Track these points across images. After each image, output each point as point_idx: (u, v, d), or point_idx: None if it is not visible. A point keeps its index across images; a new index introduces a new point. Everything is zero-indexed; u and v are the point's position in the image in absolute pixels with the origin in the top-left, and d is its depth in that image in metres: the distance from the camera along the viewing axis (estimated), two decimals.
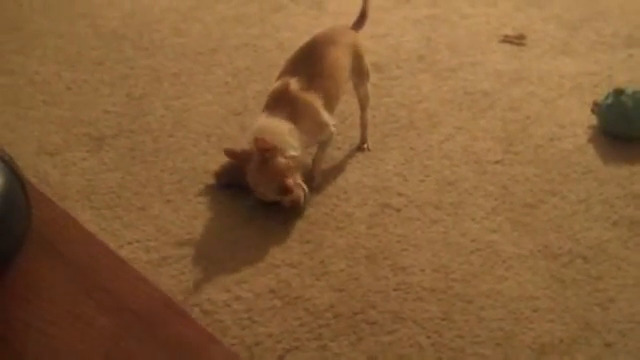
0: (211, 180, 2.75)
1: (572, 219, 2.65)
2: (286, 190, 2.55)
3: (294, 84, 2.65)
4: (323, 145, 2.77)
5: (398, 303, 2.32)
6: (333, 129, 2.75)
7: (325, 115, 2.69)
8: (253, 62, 3.44)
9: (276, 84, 2.71)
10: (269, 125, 2.60)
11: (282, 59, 2.85)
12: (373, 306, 2.31)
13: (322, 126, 2.70)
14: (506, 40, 3.68)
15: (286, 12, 3.86)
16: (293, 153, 2.58)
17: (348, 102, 3.03)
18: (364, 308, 2.30)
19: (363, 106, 2.96)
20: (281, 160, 2.54)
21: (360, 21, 2.99)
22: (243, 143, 2.77)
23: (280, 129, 2.59)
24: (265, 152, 2.51)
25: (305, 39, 2.86)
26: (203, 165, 2.81)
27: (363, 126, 2.97)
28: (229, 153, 2.62)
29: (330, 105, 2.72)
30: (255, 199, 2.62)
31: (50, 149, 2.85)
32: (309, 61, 2.72)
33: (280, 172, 2.54)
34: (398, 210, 2.67)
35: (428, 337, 2.22)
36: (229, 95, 3.21)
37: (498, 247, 2.53)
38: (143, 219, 2.57)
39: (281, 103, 2.63)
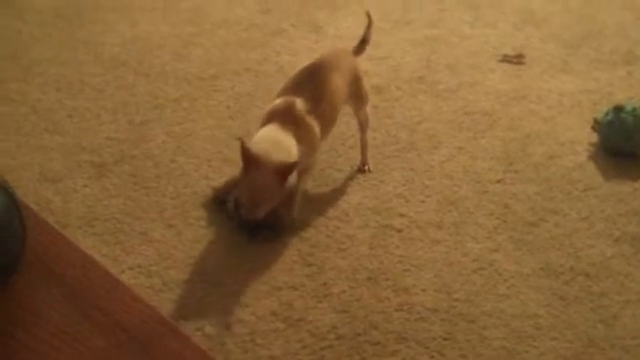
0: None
1: (574, 237, 2.65)
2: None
3: (300, 104, 2.62)
4: (307, 173, 2.72)
5: (400, 323, 2.32)
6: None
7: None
8: (254, 87, 3.46)
9: (278, 101, 2.66)
10: (279, 139, 2.55)
11: (283, 83, 2.84)
12: (375, 327, 2.31)
13: (314, 152, 2.68)
14: (505, 60, 3.69)
15: (286, 36, 3.88)
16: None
17: (349, 124, 3.04)
18: (367, 329, 2.30)
19: (363, 129, 2.96)
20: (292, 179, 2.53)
21: (361, 47, 2.99)
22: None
23: (288, 144, 2.55)
24: (286, 172, 2.48)
25: (306, 63, 2.85)
26: (204, 190, 2.81)
27: (363, 148, 2.97)
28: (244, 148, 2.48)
29: (326, 131, 2.71)
30: (240, 222, 2.63)
31: (52, 176, 2.86)
32: (312, 84, 2.69)
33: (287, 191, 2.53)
34: (399, 231, 2.67)
35: (431, 357, 2.22)
36: (231, 120, 3.22)
37: (500, 266, 2.53)
38: (145, 244, 2.57)
39: (286, 120, 2.58)
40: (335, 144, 3.04)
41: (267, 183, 2.47)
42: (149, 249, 2.55)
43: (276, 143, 2.54)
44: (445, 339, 2.28)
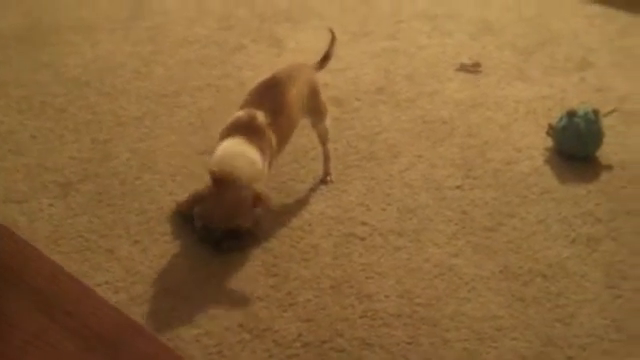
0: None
1: (531, 239, 2.72)
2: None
3: (261, 117, 2.67)
4: None
5: (365, 330, 2.37)
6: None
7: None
8: (216, 102, 3.50)
9: (240, 113, 2.71)
10: (247, 155, 2.61)
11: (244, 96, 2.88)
12: (340, 334, 2.36)
13: (270, 166, 2.71)
14: (462, 69, 3.77)
15: (246, 52, 3.93)
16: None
17: (310, 136, 3.09)
18: (332, 336, 2.35)
19: (323, 141, 3.01)
20: (242, 192, 2.57)
21: (323, 63, 3.05)
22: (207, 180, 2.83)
23: (249, 157, 2.60)
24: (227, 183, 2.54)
25: (265, 76, 2.87)
26: (169, 205, 2.84)
27: (325, 159, 3.02)
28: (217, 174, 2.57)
29: (282, 145, 2.76)
30: (201, 235, 2.68)
31: (17, 197, 2.88)
32: (270, 98, 2.74)
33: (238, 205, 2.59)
34: (362, 239, 2.72)
35: None
36: (193, 135, 3.26)
37: (460, 270, 2.59)
38: (111, 261, 2.60)
39: (251, 133, 2.64)
40: (297, 156, 3.09)
41: (240, 204, 2.57)
42: (116, 265, 2.58)
43: (245, 159, 2.59)
44: (408, 343, 2.33)
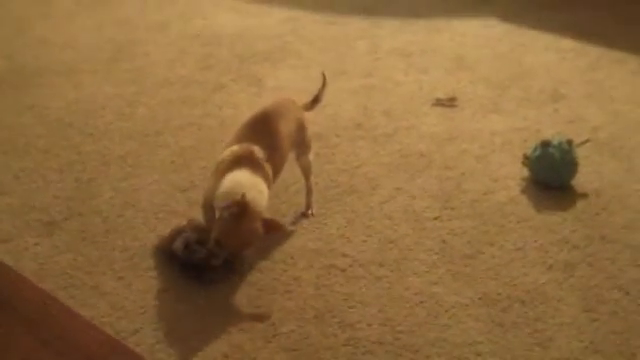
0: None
1: (509, 266, 2.78)
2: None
3: (258, 152, 2.73)
4: None
5: (348, 358, 2.41)
6: None
7: None
8: (197, 141, 3.56)
9: (235, 148, 2.75)
10: (251, 181, 2.64)
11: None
12: None
13: None
14: (438, 103, 3.85)
15: (227, 91, 4.00)
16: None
17: (292, 170, 3.14)
18: None
19: (306, 175, 3.07)
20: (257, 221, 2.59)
21: (313, 103, 3.13)
22: (192, 216, 2.89)
23: (259, 188, 2.64)
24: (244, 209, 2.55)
25: (247, 115, 2.95)
26: (152, 241, 2.88)
27: (308, 193, 3.08)
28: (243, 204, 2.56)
29: (275, 178, 2.82)
30: (179, 268, 2.72)
31: (2, 236, 2.90)
32: (265, 133, 2.80)
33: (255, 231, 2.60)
34: (343, 270, 2.77)
35: None
36: (175, 173, 3.31)
37: (440, 298, 2.64)
38: (96, 297, 2.62)
39: (252, 165, 2.68)
40: (278, 190, 3.14)
41: (257, 231, 2.58)
42: (100, 301, 2.61)
43: (256, 188, 2.63)
44: None
